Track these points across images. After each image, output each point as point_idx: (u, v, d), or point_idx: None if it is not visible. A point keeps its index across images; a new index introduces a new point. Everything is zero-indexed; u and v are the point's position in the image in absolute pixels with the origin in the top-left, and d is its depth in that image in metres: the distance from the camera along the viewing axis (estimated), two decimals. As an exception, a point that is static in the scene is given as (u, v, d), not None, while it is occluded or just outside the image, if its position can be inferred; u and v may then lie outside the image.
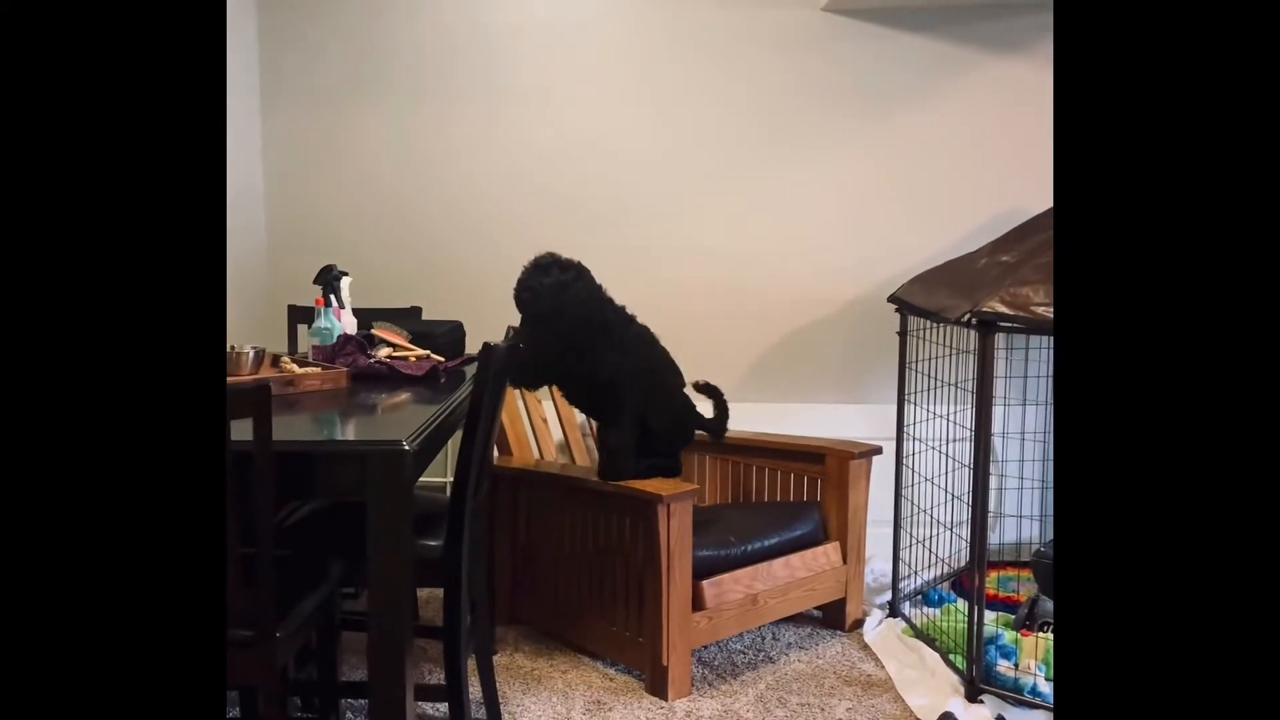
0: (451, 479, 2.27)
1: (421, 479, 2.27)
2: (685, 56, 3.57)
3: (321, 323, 2.63)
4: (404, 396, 2.29)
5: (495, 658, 2.80)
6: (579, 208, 3.64)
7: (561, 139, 3.62)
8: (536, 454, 3.18)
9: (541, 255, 2.67)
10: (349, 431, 1.93)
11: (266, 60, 3.64)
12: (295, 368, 2.39)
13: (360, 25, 3.62)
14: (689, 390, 2.87)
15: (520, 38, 3.59)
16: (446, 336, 2.75)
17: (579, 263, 2.70)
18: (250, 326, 3.51)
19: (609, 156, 3.62)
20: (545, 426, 3.22)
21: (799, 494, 3.13)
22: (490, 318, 3.40)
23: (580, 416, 3.39)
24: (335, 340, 2.56)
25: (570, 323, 2.60)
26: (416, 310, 3.24)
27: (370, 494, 1.74)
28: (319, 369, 2.38)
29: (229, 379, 2.22)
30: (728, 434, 2.97)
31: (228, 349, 2.34)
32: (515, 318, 3.50)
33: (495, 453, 3.07)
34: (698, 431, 2.90)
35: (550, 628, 2.98)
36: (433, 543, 2.19)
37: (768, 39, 3.55)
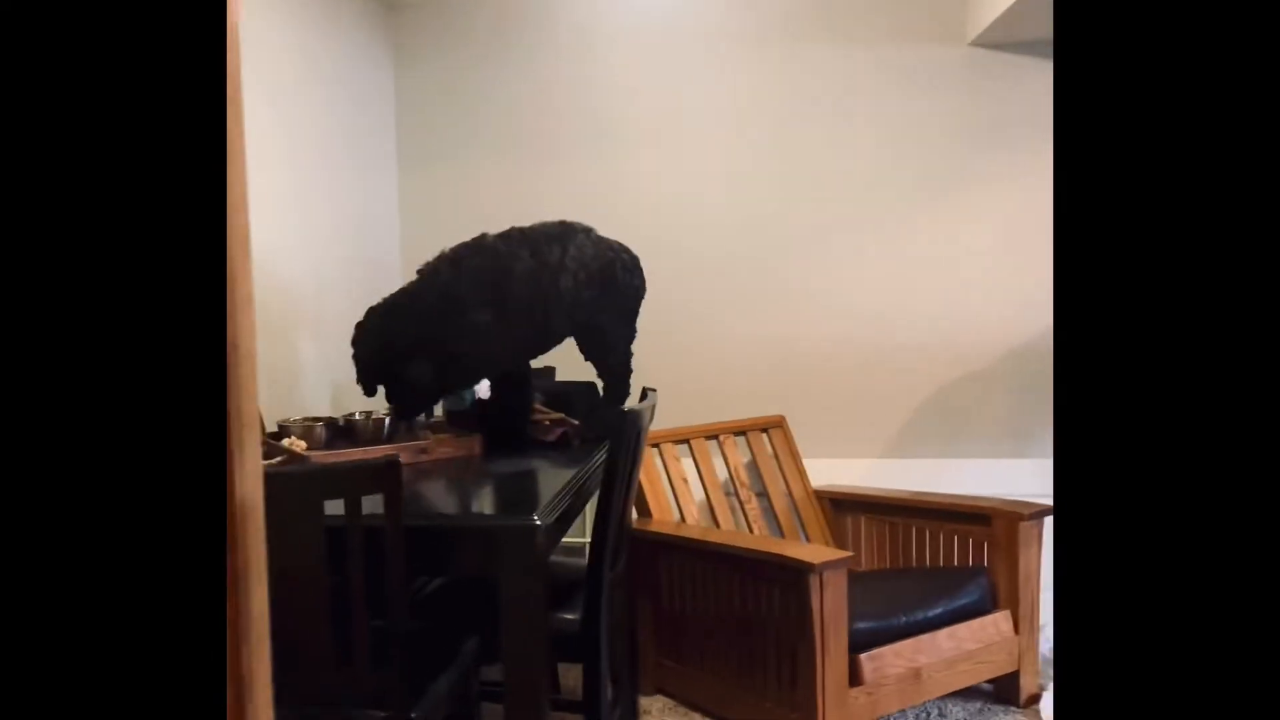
0: (589, 539, 2.15)
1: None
2: (818, 100, 3.44)
3: (457, 386, 2.59)
4: (537, 463, 2.21)
5: (639, 734, 2.66)
6: (706, 259, 3.53)
7: (690, 188, 3.54)
8: (677, 515, 3.05)
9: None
10: (479, 504, 1.84)
11: (403, 125, 3.72)
12: (430, 437, 2.34)
13: (487, 86, 3.65)
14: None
15: (645, 89, 3.54)
16: (581, 399, 2.66)
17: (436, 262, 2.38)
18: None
19: (738, 205, 3.51)
20: (686, 486, 3.09)
21: (963, 558, 2.89)
22: (627, 375, 3.32)
23: (722, 474, 3.25)
24: (470, 404, 2.51)
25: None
26: (550, 371, 3.17)
27: (502, 571, 1.65)
28: (452, 436, 2.33)
29: (365, 452, 2.19)
30: (871, 493, 2.77)
31: (357, 416, 2.32)
32: (652, 376, 3.41)
33: (634, 514, 2.95)
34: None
35: (696, 700, 2.82)
36: (570, 616, 2.08)
37: (909, 78, 3.38)
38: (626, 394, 2.55)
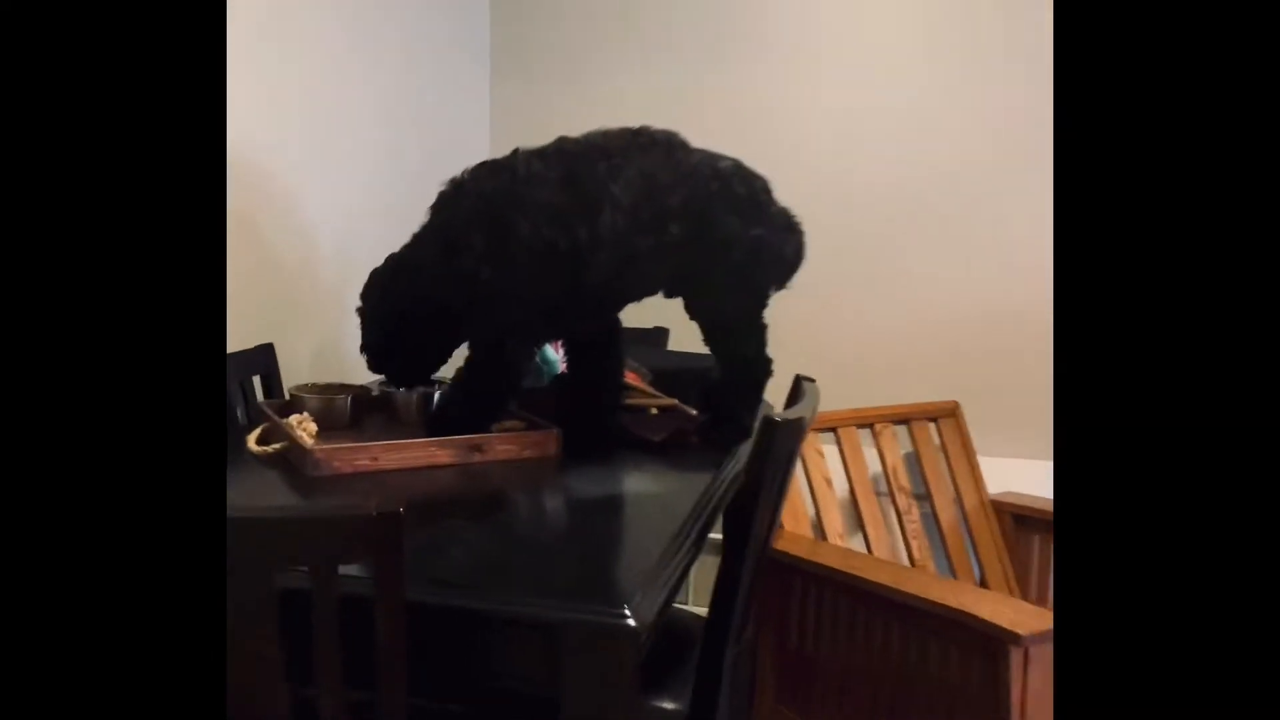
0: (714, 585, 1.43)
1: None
2: (1021, 29, 2.61)
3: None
4: (637, 479, 1.55)
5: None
6: (867, 206, 2.76)
7: (847, 112, 2.76)
8: (814, 522, 2.38)
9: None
10: (536, 564, 1.17)
11: (498, 28, 3.05)
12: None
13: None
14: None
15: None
16: (703, 381, 1.95)
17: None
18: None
19: (914, 141, 2.72)
20: (829, 489, 2.40)
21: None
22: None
23: (873, 466, 2.52)
24: (551, 380, 1.85)
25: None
26: (661, 334, 2.46)
27: (566, 692, 1.00)
28: (521, 425, 1.67)
29: (391, 447, 1.57)
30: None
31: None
32: (794, 349, 2.64)
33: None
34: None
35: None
36: (670, 706, 1.44)
37: None
38: (755, 391, 1.71)
